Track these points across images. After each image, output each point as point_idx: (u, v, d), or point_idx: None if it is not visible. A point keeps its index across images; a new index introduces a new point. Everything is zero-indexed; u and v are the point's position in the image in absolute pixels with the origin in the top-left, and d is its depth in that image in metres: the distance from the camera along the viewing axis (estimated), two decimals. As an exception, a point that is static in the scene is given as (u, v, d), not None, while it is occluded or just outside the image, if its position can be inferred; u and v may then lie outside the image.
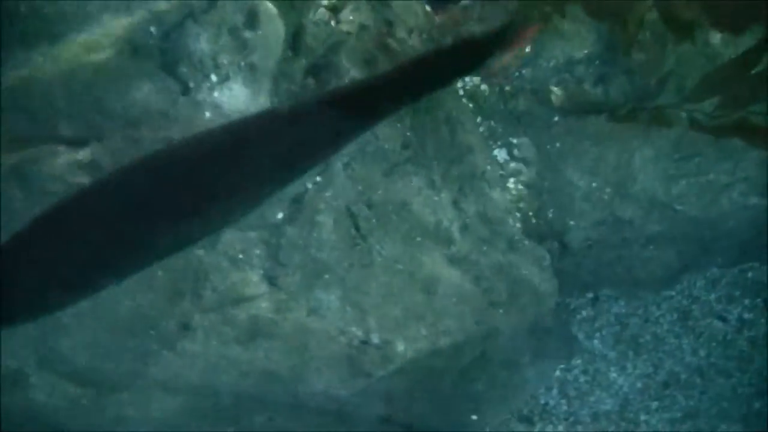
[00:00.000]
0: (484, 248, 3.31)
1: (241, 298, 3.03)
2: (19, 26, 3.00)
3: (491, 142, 3.77)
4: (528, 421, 4.72)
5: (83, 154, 2.97)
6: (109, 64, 2.99)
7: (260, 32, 2.94)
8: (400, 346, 3.12)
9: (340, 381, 3.11)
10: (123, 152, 2.92)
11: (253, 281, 3.03)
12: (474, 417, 3.77)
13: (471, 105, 3.68)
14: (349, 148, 3.04)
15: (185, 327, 3.08)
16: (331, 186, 2.99)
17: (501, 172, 3.76)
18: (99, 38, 3.01)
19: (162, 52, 2.96)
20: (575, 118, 3.68)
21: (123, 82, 2.98)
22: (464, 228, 3.26)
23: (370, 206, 3.04)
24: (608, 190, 3.71)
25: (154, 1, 2.99)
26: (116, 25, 2.99)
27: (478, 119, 3.71)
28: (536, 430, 4.73)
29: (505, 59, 3.66)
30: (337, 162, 3.00)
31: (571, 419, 4.74)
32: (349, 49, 3.08)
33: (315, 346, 3.08)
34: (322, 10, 3.27)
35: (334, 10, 3.28)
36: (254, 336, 3.06)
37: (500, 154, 3.80)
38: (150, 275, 3.02)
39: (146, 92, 2.95)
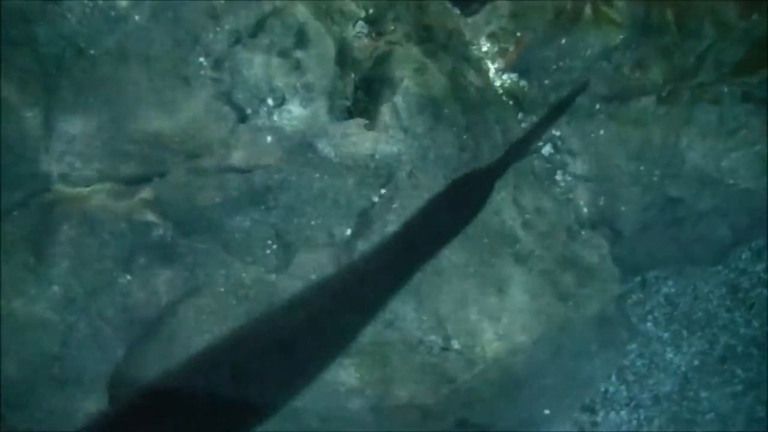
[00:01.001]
0: (547, 242, 3.32)
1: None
2: (67, 69, 2.98)
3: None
4: (590, 410, 4.72)
5: (147, 192, 2.95)
6: (161, 100, 2.98)
7: (312, 51, 2.94)
8: (481, 349, 3.11)
9: (424, 390, 3.10)
10: (189, 186, 2.91)
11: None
12: (546, 411, 3.76)
13: (511, 102, 3.68)
14: (411, 156, 3.04)
15: (263, 353, 3.05)
16: (398, 197, 2.99)
17: (547, 165, 3.76)
18: (148, 75, 2.99)
19: (215, 82, 2.96)
20: (617, 104, 3.69)
21: (178, 116, 2.97)
22: (526, 225, 3.26)
23: (436, 213, 3.03)
24: (657, 172, 3.72)
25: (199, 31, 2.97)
26: (164, 59, 2.98)
27: (520, 115, 3.72)
28: (599, 418, 4.73)
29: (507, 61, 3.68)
30: (401, 171, 2.99)
31: (633, 404, 4.74)
32: (399, 58, 3.08)
33: (396, 359, 3.07)
34: (360, 22, 3.27)
35: (374, 22, 3.28)
36: (337, 355, 3.04)
37: (545, 148, 3.80)
38: (226, 306, 3.01)
39: (203, 123, 2.94)
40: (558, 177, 3.79)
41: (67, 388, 3.03)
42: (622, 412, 4.69)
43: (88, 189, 3.04)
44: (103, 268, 2.98)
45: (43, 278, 2.99)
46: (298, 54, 2.92)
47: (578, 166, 3.78)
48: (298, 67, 2.91)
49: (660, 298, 4.66)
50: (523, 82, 3.70)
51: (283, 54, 2.92)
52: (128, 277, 2.97)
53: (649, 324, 4.67)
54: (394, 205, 2.98)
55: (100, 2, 2.99)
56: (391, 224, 2.97)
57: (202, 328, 2.99)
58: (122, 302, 2.99)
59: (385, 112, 2.98)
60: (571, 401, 3.91)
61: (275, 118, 2.90)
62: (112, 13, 3.02)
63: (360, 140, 2.95)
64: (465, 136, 3.12)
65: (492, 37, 3.66)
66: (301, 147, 2.91)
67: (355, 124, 2.97)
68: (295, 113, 2.91)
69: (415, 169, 3.01)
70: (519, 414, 3.53)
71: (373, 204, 2.98)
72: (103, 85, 3.04)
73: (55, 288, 3.00)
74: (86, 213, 2.96)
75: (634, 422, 4.71)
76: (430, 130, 3.03)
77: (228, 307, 2.98)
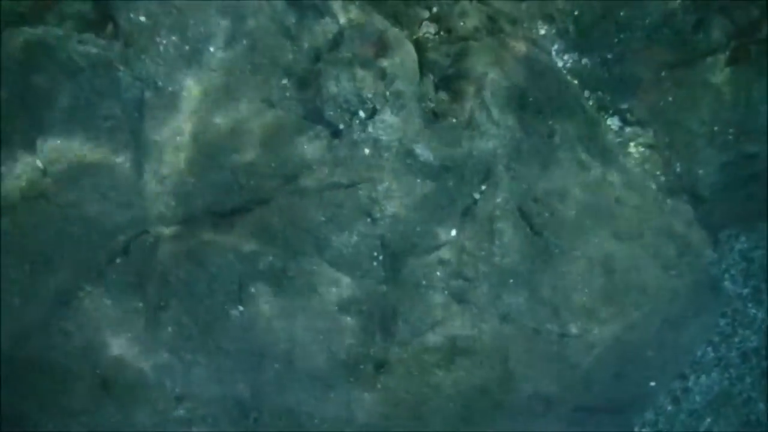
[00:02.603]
0: (640, 216, 3.30)
1: (434, 323, 3.01)
2: (149, 110, 2.97)
3: (603, 113, 3.75)
4: (680, 376, 4.69)
5: (251, 220, 2.93)
6: (249, 127, 2.97)
7: (395, 58, 2.93)
8: (598, 330, 3.10)
9: (548, 379, 3.09)
10: (292, 208, 2.90)
11: (442, 303, 3.00)
12: (652, 384, 3.75)
13: (576, 81, 3.66)
14: (506, 149, 3.03)
15: (382, 365, 3.05)
16: (499, 191, 2.98)
17: (619, 139, 3.75)
18: (231, 103, 2.98)
19: (301, 101, 2.94)
20: (682, 69, 3.66)
21: (269, 141, 2.95)
22: (618, 201, 3.25)
23: (536, 201, 3.02)
24: (731, 130, 3.70)
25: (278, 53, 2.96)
26: (246, 86, 2.96)
27: (586, 93, 3.70)
28: (690, 383, 4.70)
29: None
30: (498, 165, 2.98)
31: (722, 364, 4.70)
32: (476, 53, 3.06)
33: (516, 351, 3.06)
34: (426, 23, 3.25)
35: (440, 20, 3.26)
36: (454, 357, 3.04)
37: (614, 122, 3.78)
38: (341, 324, 3.00)
39: (296, 145, 2.93)
40: (632, 149, 3.77)
41: (194, 428, 3.01)
42: (713, 374, 4.66)
43: (188, 226, 3.02)
44: (214, 302, 2.97)
45: (156, 321, 2.98)
46: (383, 62, 2.90)
47: (650, 136, 3.76)
48: (384, 75, 2.89)
49: (735, 256, 4.62)
50: (585, 60, 3.68)
51: (367, 64, 2.90)
52: (240, 308, 2.96)
53: (727, 282, 4.64)
54: (497, 200, 2.96)
55: (174, 38, 2.98)
56: (498, 220, 2.95)
57: (321, 348, 2.98)
58: (238, 334, 2.98)
59: (475, 109, 2.97)
60: (673, 370, 3.90)
61: (370, 129, 2.88)
62: (186, 48, 3.00)
63: (455, 140, 2.94)
64: (551, 122, 3.11)
65: (549, 19, 3.64)
66: (399, 155, 2.90)
67: (448, 125, 2.95)
68: (389, 122, 2.89)
69: (511, 161, 3.00)
70: (630, 390, 3.53)
71: (476, 201, 2.97)
72: (186, 120, 3.02)
73: (169, 329, 2.99)
74: (191, 250, 2.94)
75: (726, 382, 4.68)
76: (520, 120, 3.02)
77: (343, 325, 2.97)
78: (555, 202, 3.05)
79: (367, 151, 2.87)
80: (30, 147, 2.91)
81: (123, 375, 2.92)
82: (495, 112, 2.97)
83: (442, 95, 3.09)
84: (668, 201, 3.59)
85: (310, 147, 2.88)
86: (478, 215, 2.96)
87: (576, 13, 3.60)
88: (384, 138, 2.87)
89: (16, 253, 2.93)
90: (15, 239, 2.92)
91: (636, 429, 4.11)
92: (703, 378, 4.65)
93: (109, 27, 3.09)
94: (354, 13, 2.95)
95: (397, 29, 2.94)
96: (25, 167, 2.89)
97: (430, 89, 3.07)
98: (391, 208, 2.88)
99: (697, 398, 4.67)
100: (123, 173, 2.96)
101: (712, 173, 3.79)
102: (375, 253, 2.94)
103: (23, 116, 2.91)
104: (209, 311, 2.93)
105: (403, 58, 2.92)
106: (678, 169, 3.76)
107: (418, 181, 2.89)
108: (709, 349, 4.62)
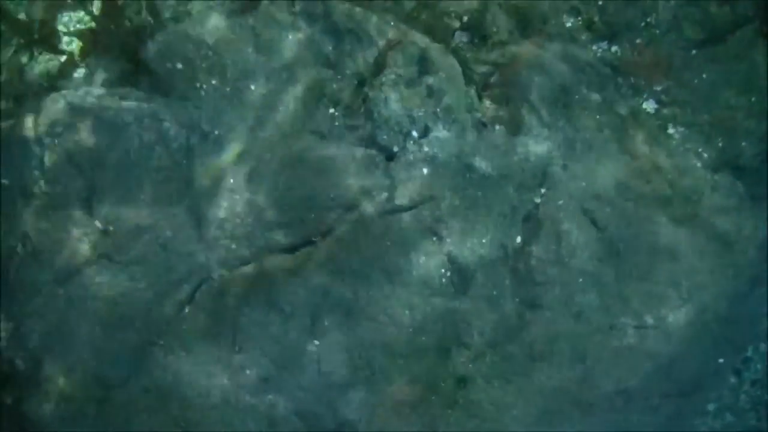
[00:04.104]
0: (694, 199, 3.29)
1: (509, 331, 3.00)
2: (197, 156, 2.96)
3: (638, 98, 3.73)
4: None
5: (316, 254, 2.92)
6: (302, 161, 2.96)
7: (440, 73, 2.92)
8: (673, 317, 3.09)
9: (628, 372, 3.08)
10: (356, 237, 2.89)
11: (514, 310, 2.99)
12: (720, 360, 3.73)
13: (608, 70, 3.64)
14: (561, 149, 3.02)
15: (462, 380, 3.04)
16: (560, 192, 2.97)
17: (657, 121, 3.73)
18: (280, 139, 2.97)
19: (351, 129, 2.93)
20: (712, 45, 3.65)
21: (325, 172, 2.94)
22: (672, 186, 3.24)
23: (596, 197, 3.01)
24: (768, 98, 3.68)
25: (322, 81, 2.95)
26: (293, 119, 2.95)
27: (620, 80, 3.68)
28: (749, 353, 4.67)
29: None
30: (554, 167, 2.97)
31: (772, 337, 4.68)
32: (517, 58, 3.05)
33: (593, 349, 3.05)
34: (458, 32, 3.24)
35: (470, 28, 3.25)
36: (532, 362, 3.03)
37: (649, 105, 3.76)
38: (416, 343, 2.98)
39: (351, 172, 2.92)
40: (671, 130, 3.75)
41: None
42: (762, 345, 4.63)
43: (251, 266, 3.01)
44: (289, 339, 2.96)
45: (233, 365, 2.97)
46: (428, 80, 2.89)
47: (688, 115, 3.74)
48: (431, 92, 2.88)
49: (773, 224, 4.59)
50: (614, 48, 3.66)
51: (412, 84, 2.89)
52: (316, 342, 2.95)
53: None
54: (558, 202, 2.95)
55: (213, 81, 2.97)
56: (563, 221, 2.94)
57: (401, 370, 2.97)
58: (315, 368, 2.96)
59: (523, 114, 2.95)
60: (741, 343, 3.89)
61: (425, 148, 2.87)
62: (227, 89, 2.99)
63: (510, 148, 2.93)
64: (598, 116, 3.10)
65: (574, 11, 3.62)
66: (458, 170, 2.88)
67: (500, 133, 2.94)
68: (443, 138, 2.88)
69: (566, 160, 2.98)
70: (704, 370, 3.51)
71: (537, 206, 2.96)
72: (236, 162, 3.01)
73: (248, 372, 2.97)
74: (259, 290, 2.94)
75: (785, 348, 4.65)
76: (569, 119, 3.01)
77: (420, 345, 2.96)
78: (613, 195, 3.04)
79: (425, 170, 2.85)
80: (87, 209, 2.90)
81: (207, 424, 2.91)
82: (544, 114, 2.96)
83: (487, 104, 3.07)
84: (715, 177, 3.57)
85: (367, 173, 2.86)
86: (542, 219, 2.95)
87: (600, 2, 3.58)
88: (440, 155, 2.86)
89: (85, 315, 2.92)
90: (83, 302, 2.91)
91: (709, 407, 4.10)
92: (762, 346, 4.62)
93: (145, 78, 3.08)
94: (391, 33, 2.94)
95: (438, 45, 2.92)
96: (85, 229, 2.88)
97: (475, 99, 3.06)
98: (455, 223, 2.87)
99: (758, 367, 4.64)
100: (180, 223, 2.95)
101: (756, 143, 3.78)
102: (443, 270, 2.93)
103: (76, 179, 2.89)
104: (285, 349, 2.92)
105: (448, 72, 2.90)
106: (720, 144, 3.75)
107: (480, 193, 2.88)
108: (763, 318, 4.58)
